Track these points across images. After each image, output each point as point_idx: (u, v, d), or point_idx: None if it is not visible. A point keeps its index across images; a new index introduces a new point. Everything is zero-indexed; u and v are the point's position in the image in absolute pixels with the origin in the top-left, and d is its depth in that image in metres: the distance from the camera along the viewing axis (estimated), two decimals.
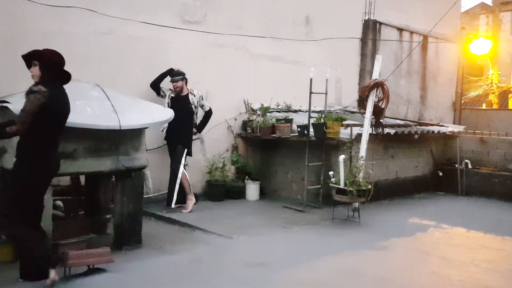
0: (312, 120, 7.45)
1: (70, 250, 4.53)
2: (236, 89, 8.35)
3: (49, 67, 4.11)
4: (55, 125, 4.15)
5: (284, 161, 8.34)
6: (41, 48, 4.22)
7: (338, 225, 6.66)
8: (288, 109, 8.93)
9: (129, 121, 4.96)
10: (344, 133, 7.53)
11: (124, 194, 5.24)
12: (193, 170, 7.53)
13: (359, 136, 7.39)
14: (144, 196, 5.64)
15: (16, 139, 4.18)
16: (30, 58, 4.15)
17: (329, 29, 9.53)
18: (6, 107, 4.47)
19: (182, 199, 7.05)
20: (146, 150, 5.61)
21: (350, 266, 5.03)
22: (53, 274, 4.01)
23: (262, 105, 8.49)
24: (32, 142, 4.06)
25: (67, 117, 4.24)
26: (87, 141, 4.82)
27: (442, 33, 11.34)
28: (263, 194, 8.27)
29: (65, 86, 4.30)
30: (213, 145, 7.99)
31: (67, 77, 4.24)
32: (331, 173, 7.20)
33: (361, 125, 7.44)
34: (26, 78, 5.94)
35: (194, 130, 7.28)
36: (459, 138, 9.91)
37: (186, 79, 7.11)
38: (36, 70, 4.09)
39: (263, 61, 8.69)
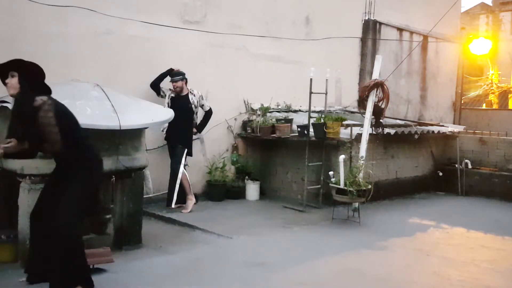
0: (312, 120, 7.45)
1: None
2: (236, 89, 8.35)
3: (30, 79, 3.83)
4: (74, 126, 3.98)
5: (284, 161, 8.34)
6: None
7: (338, 225, 6.66)
8: (288, 109, 8.93)
9: (129, 121, 4.96)
10: (344, 133, 7.53)
11: (124, 194, 5.24)
12: (193, 170, 7.54)
13: (359, 136, 7.39)
14: (144, 196, 5.64)
15: None
16: (6, 69, 3.81)
17: (329, 29, 9.53)
18: (6, 107, 4.47)
19: (182, 199, 7.05)
20: (146, 150, 5.61)
21: (350, 266, 5.03)
22: None
23: (262, 105, 8.48)
24: (73, 153, 3.89)
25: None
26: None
27: (442, 33, 11.34)
28: (263, 194, 8.27)
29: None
30: (213, 145, 7.99)
31: (47, 91, 3.92)
32: (331, 173, 7.19)
33: (361, 125, 7.44)
34: None
35: (194, 130, 7.28)
36: (459, 138, 9.91)
37: (186, 79, 7.11)
38: (14, 81, 3.78)
39: (263, 61, 8.68)
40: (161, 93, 7.14)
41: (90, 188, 4.02)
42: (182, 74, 7.09)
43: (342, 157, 6.88)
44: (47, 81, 4.04)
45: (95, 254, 4.57)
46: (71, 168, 3.97)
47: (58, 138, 3.69)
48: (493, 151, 9.55)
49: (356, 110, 9.86)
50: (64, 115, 3.85)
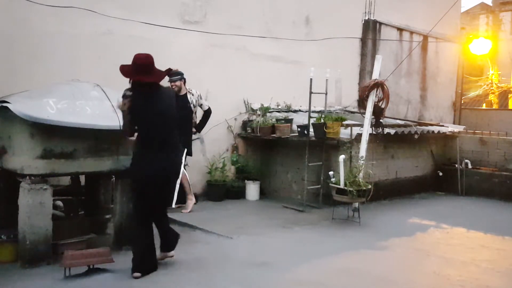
0: (312, 120, 7.45)
1: (70, 250, 4.53)
2: (236, 89, 8.35)
3: None
4: None
5: (284, 161, 8.34)
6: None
7: (338, 225, 6.66)
8: (288, 109, 8.93)
9: None
10: (344, 133, 7.53)
11: (124, 194, 5.23)
12: (193, 170, 7.53)
13: (359, 136, 7.39)
14: None
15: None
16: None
17: (329, 29, 9.53)
18: (6, 107, 4.48)
19: (182, 199, 7.04)
20: None
21: (351, 266, 5.03)
22: None
23: (262, 105, 8.49)
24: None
25: None
26: (87, 141, 4.82)
27: (442, 33, 11.34)
28: (263, 194, 8.27)
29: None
30: (213, 145, 7.99)
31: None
32: (331, 173, 7.19)
33: (361, 125, 7.43)
34: (26, 78, 5.97)
35: (194, 129, 7.28)
36: (459, 138, 9.91)
37: (184, 78, 7.10)
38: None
39: (263, 61, 8.69)
40: None
41: None
42: (181, 74, 7.08)
43: (342, 157, 6.87)
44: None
45: (95, 254, 4.57)
46: None
47: None
48: (493, 151, 9.55)
49: (356, 110, 9.85)
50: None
